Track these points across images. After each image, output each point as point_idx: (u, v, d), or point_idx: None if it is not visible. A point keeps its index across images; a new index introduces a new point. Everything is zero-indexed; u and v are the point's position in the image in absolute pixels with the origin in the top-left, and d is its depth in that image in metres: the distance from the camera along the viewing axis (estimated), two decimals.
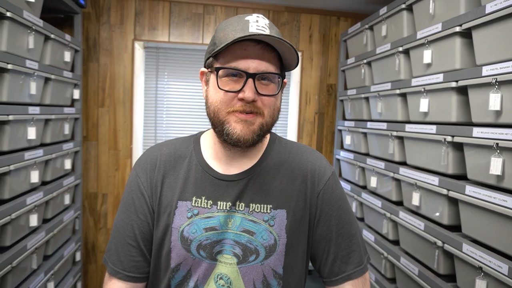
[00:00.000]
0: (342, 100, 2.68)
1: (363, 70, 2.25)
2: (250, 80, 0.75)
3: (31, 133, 1.76)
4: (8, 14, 1.48)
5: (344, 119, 2.68)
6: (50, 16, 2.26)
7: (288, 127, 2.87)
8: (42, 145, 1.95)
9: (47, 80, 1.92)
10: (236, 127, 0.77)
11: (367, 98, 2.24)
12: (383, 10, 1.99)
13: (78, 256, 2.41)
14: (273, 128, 0.86)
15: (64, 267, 2.19)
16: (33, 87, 1.74)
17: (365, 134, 2.27)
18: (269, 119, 0.81)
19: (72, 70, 2.29)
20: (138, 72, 2.63)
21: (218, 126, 0.80)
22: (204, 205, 0.84)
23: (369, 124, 2.17)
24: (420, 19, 1.70)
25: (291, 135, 2.85)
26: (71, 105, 2.31)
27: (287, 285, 0.85)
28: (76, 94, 2.32)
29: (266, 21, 0.79)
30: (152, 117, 2.71)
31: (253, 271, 0.83)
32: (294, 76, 2.82)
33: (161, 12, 2.58)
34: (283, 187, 0.87)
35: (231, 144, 0.80)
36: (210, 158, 0.88)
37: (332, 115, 2.84)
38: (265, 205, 0.84)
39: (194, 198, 0.84)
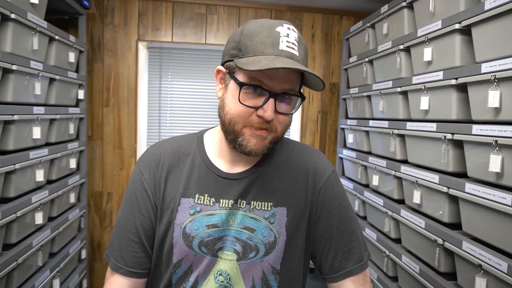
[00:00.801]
0: (344, 99, 2.68)
1: (365, 69, 2.25)
2: (271, 100, 0.76)
3: (36, 132, 1.79)
4: (12, 15, 1.51)
5: (347, 117, 2.67)
6: (55, 17, 2.30)
7: (291, 126, 2.87)
8: (47, 144, 1.98)
9: (51, 80, 1.95)
10: (251, 140, 0.79)
11: (369, 97, 2.24)
12: (384, 8, 1.99)
13: (83, 254, 2.45)
14: None
15: (69, 265, 2.23)
16: (38, 88, 1.77)
17: (367, 132, 2.27)
18: (281, 134, 0.83)
19: (76, 71, 2.33)
20: (142, 72, 2.66)
21: (231, 135, 0.81)
22: (206, 202, 0.85)
23: (371, 123, 2.17)
24: (420, 16, 1.70)
25: (294, 134, 2.85)
26: (76, 105, 2.34)
27: (284, 280, 0.86)
28: (81, 94, 2.35)
29: (296, 34, 0.79)
30: (156, 116, 2.74)
31: (253, 268, 0.84)
32: None
33: (164, 12, 2.60)
34: (285, 185, 0.88)
35: (242, 153, 0.82)
36: (214, 156, 0.89)
37: (335, 114, 2.84)
38: (266, 203, 0.85)
39: (197, 195, 0.85)
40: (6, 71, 1.54)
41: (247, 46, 0.77)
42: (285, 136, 1.00)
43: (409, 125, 1.76)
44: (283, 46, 0.75)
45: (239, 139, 0.79)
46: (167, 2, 2.60)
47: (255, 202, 0.85)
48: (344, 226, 0.89)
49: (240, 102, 0.77)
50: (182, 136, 0.96)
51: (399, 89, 1.84)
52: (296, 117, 2.84)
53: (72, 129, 2.24)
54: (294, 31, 0.79)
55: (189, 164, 0.89)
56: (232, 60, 0.79)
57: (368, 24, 2.21)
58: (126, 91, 2.61)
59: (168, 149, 0.91)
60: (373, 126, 2.14)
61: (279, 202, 0.86)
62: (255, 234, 0.84)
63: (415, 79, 1.71)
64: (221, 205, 0.84)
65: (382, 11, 2.01)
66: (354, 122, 2.44)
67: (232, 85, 0.79)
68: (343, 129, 2.70)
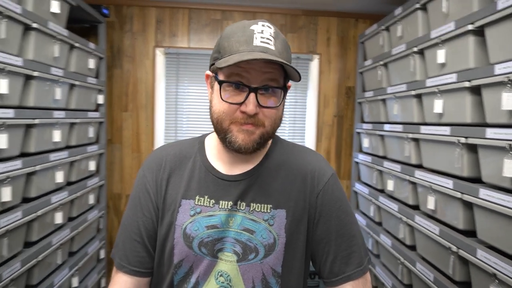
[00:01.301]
0: (360, 103, 2.65)
1: (379, 72, 2.22)
2: (252, 94, 0.77)
3: (57, 136, 1.86)
4: (34, 25, 1.58)
5: (363, 121, 2.64)
6: (76, 26, 2.39)
7: (307, 130, 2.86)
8: (68, 147, 2.06)
9: (72, 86, 2.03)
10: (238, 136, 0.80)
11: (384, 100, 2.21)
12: (398, 11, 1.96)
13: (102, 254, 2.52)
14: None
15: (88, 264, 2.30)
16: (58, 93, 1.85)
17: (382, 136, 2.24)
18: (270, 129, 0.83)
19: (96, 77, 2.41)
20: (160, 77, 2.72)
21: (221, 133, 0.83)
22: (206, 203, 0.86)
23: (385, 127, 2.14)
24: (434, 18, 1.67)
25: (310, 138, 2.84)
26: (96, 110, 2.42)
27: (286, 284, 0.86)
28: (101, 99, 2.43)
29: (272, 30, 0.80)
30: (173, 120, 2.79)
31: (253, 269, 0.84)
32: (312, 79, 2.82)
33: (181, 19, 2.66)
34: (283, 187, 0.88)
35: (233, 151, 0.83)
36: (214, 159, 0.91)
37: (351, 118, 2.82)
38: (265, 205, 0.86)
39: (197, 197, 0.87)
40: (29, 77, 1.61)
41: (224, 47, 0.80)
42: (289, 140, 1.01)
43: (424, 128, 1.73)
44: (257, 42, 0.77)
45: (228, 136, 0.81)
46: (184, 8, 2.65)
47: (254, 204, 0.86)
48: (344, 230, 0.88)
49: (223, 100, 0.79)
50: (185, 140, 0.99)
51: (413, 92, 1.81)
52: (312, 121, 2.83)
53: (92, 132, 2.32)
54: (270, 27, 0.81)
55: (190, 167, 0.91)
56: (214, 63, 0.83)
57: (383, 27, 2.18)
58: (144, 96, 2.68)
59: (171, 153, 0.94)
60: (387, 130, 2.11)
61: (279, 204, 0.86)
62: (255, 235, 0.84)
63: (429, 82, 1.68)
64: (220, 207, 0.86)
65: (396, 14, 1.98)
66: (369, 126, 2.41)
67: (216, 85, 0.82)
68: (358, 133, 2.67)
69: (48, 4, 1.73)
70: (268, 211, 0.86)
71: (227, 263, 0.84)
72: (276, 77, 0.80)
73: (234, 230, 0.85)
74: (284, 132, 2.81)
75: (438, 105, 1.60)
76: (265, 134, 0.82)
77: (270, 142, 0.94)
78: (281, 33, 0.84)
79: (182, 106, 2.78)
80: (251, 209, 0.86)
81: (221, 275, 0.84)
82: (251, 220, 0.85)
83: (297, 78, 0.81)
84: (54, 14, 1.78)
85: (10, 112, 1.47)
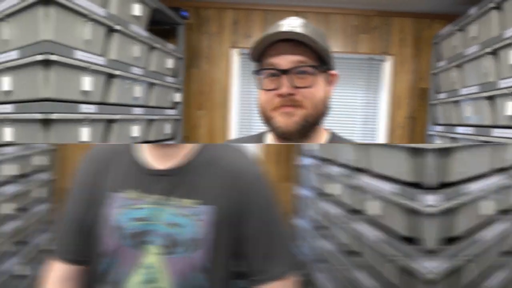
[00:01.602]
0: (433, 104, 2.49)
1: (453, 73, 2.07)
2: (284, 76, 0.83)
3: (135, 131, 2.02)
4: (117, 27, 1.74)
5: (436, 124, 2.49)
6: (156, 28, 2.51)
7: (378, 132, 2.78)
8: (145, 142, 2.22)
9: (151, 84, 2.19)
10: (280, 120, 0.85)
11: (456, 102, 2.06)
12: (472, 10, 1.84)
13: None
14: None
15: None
16: (138, 91, 2.02)
17: (454, 139, 2.09)
18: (312, 111, 0.85)
19: (175, 76, 2.58)
20: (235, 77, 2.83)
21: (267, 123, 0.89)
22: (135, 196, 0.88)
23: (457, 129, 2.00)
24: (510, 17, 1.52)
25: (381, 139, 2.75)
26: (173, 108, 2.58)
27: (212, 279, 0.86)
28: (178, 97, 2.60)
29: (299, 21, 0.86)
30: (247, 120, 2.87)
31: (179, 263, 0.84)
32: (385, 80, 2.73)
33: (256, 20, 2.74)
34: (212, 184, 0.88)
35: (279, 137, 0.88)
36: (145, 153, 0.92)
37: (423, 120, 2.66)
38: (194, 201, 0.86)
39: (127, 190, 0.88)
40: (111, 76, 1.77)
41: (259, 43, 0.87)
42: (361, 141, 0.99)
43: (496, 131, 1.59)
44: (283, 29, 0.83)
45: (272, 122, 0.87)
46: (259, 10, 2.73)
47: (182, 199, 0.86)
48: (269, 230, 0.87)
49: (262, 89, 0.86)
50: None
51: (485, 94, 1.67)
52: (383, 123, 2.74)
53: (168, 129, 2.48)
54: (297, 19, 0.86)
55: (122, 161, 0.93)
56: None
57: (457, 27, 2.06)
58: (219, 95, 2.80)
59: (106, 148, 0.97)
60: (459, 132, 1.98)
61: (207, 200, 0.86)
62: (182, 230, 0.84)
63: (501, 83, 1.53)
64: (149, 200, 0.87)
65: (471, 13, 1.85)
66: (442, 128, 2.27)
67: (257, 81, 0.90)
68: (431, 135, 2.51)
69: (130, 7, 1.89)
70: (196, 206, 0.85)
71: (153, 256, 0.85)
72: (306, 59, 0.84)
73: (161, 224, 0.85)
74: (355, 133, 2.76)
75: (510, 107, 1.46)
76: (308, 117, 0.85)
77: (319, 131, 0.95)
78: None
79: (256, 106, 2.86)
80: (179, 203, 0.86)
81: (146, 267, 0.85)
82: (179, 214, 0.85)
83: (327, 54, 0.85)
84: (135, 16, 1.94)
85: (92, 108, 1.61)
